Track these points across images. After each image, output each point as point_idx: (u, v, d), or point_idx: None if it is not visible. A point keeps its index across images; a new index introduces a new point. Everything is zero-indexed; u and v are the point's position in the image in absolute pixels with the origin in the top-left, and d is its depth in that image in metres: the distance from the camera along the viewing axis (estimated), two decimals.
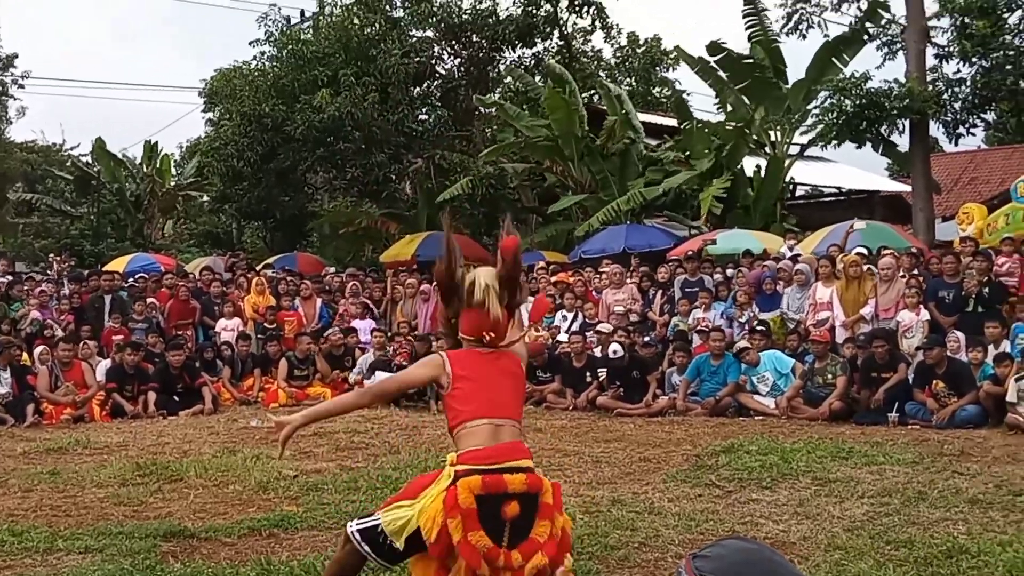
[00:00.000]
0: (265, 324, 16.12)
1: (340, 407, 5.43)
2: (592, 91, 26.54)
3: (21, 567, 5.88)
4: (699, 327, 13.93)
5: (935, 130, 22.44)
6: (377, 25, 26.23)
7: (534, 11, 26.60)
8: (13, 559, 6.06)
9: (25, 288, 16.56)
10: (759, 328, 13.18)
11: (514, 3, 26.74)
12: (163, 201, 33.01)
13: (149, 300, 16.22)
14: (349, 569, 4.83)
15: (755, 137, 22.35)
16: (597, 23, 28.93)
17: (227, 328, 16.03)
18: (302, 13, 31.15)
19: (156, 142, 34.30)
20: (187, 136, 72.86)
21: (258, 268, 20.87)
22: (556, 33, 28.00)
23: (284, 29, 28.37)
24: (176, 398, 13.71)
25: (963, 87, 20.70)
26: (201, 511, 7.33)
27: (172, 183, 35.42)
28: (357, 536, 4.69)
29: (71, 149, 43.07)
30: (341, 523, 6.67)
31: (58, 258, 22.72)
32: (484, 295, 4.86)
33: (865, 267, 13.37)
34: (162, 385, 13.74)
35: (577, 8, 27.62)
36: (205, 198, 33.40)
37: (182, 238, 35.43)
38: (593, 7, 27.78)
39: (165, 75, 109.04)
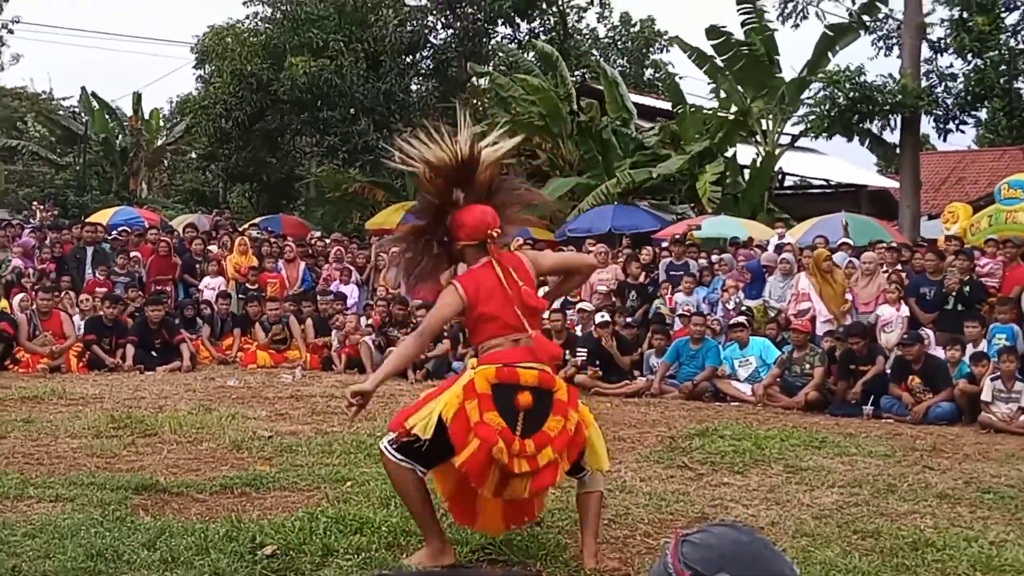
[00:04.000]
0: (247, 285, 16.05)
1: (404, 359, 5.84)
2: (585, 69, 26.45)
3: None
4: (680, 311, 13.95)
5: (926, 125, 22.49)
6: None
7: None
8: None
9: (7, 235, 16.44)
10: (740, 319, 13.13)
11: None
12: (150, 156, 32.74)
13: (132, 254, 16.11)
14: (410, 486, 4.98)
15: (748, 125, 22.35)
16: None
17: (210, 287, 15.95)
18: None
19: (140, 95, 33.95)
20: (178, 92, 72.11)
21: (242, 228, 20.76)
22: (552, 7, 27.86)
23: None
24: (154, 353, 13.65)
25: (956, 82, 20.74)
26: (174, 466, 7.33)
27: (160, 138, 35.12)
28: (389, 449, 4.97)
29: (63, 100, 42.59)
30: (313, 485, 6.69)
31: (41, 207, 22.55)
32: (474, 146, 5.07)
33: (845, 262, 13.45)
34: (140, 340, 13.67)
35: None
36: (193, 155, 33.16)
37: (168, 194, 35.14)
38: None
39: (157, 28, 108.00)
